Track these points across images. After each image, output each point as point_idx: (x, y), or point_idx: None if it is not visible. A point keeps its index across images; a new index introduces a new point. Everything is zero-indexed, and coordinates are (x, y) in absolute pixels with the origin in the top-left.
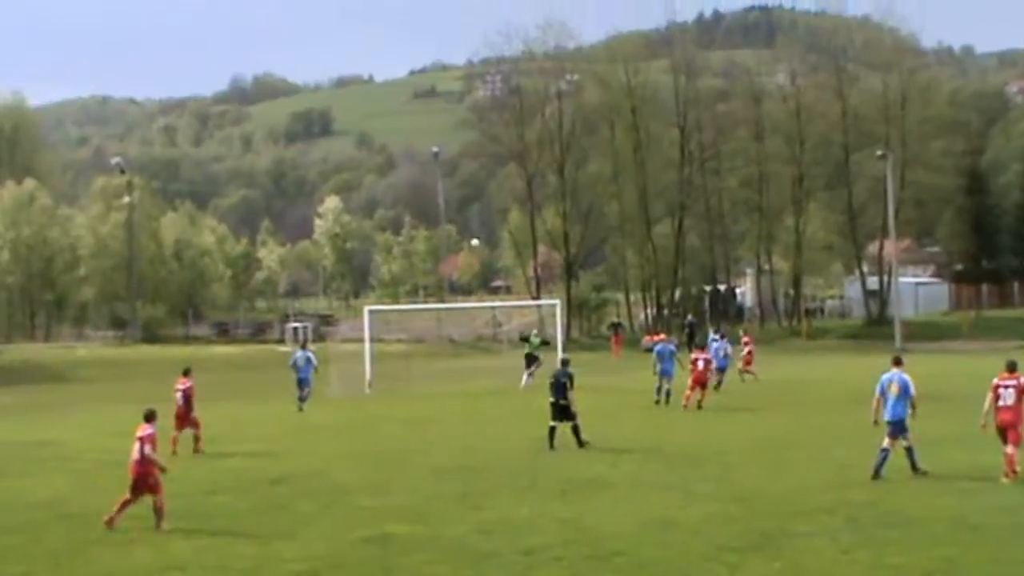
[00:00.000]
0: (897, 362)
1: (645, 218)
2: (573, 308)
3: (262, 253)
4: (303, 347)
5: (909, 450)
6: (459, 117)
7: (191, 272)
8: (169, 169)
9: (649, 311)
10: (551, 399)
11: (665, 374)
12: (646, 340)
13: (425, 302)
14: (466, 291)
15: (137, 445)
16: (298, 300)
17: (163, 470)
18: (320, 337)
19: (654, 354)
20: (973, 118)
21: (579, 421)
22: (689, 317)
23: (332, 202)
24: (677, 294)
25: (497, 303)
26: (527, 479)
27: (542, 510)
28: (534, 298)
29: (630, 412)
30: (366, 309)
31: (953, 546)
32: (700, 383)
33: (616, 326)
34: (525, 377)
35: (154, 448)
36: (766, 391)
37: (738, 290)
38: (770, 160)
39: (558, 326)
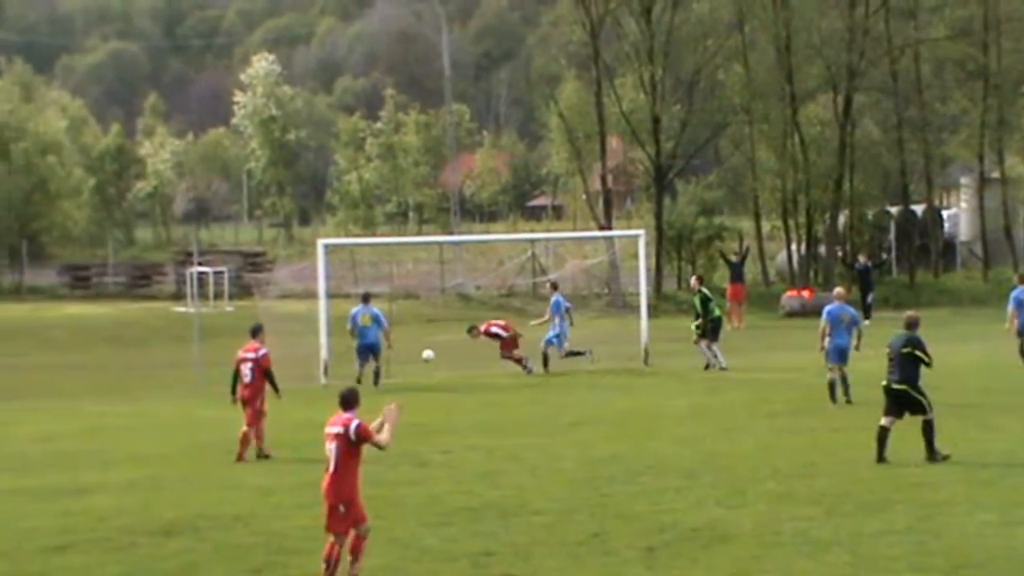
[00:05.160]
0: None
1: (789, 93)
2: (667, 243)
3: (146, 149)
4: (364, 301)
5: None
6: None
7: (26, 180)
8: None
9: (795, 248)
10: (886, 381)
11: (837, 355)
12: (789, 296)
13: (419, 232)
14: (488, 215)
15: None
16: (207, 228)
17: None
18: (243, 290)
19: (823, 320)
20: None
21: (933, 416)
22: (860, 259)
23: (263, 64)
24: (841, 220)
25: (540, 235)
26: (592, 528)
27: None
28: (602, 227)
29: (769, 418)
30: (320, 243)
31: None
32: None
33: (733, 266)
34: (718, 355)
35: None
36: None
37: (945, 214)
38: None
39: (641, 272)
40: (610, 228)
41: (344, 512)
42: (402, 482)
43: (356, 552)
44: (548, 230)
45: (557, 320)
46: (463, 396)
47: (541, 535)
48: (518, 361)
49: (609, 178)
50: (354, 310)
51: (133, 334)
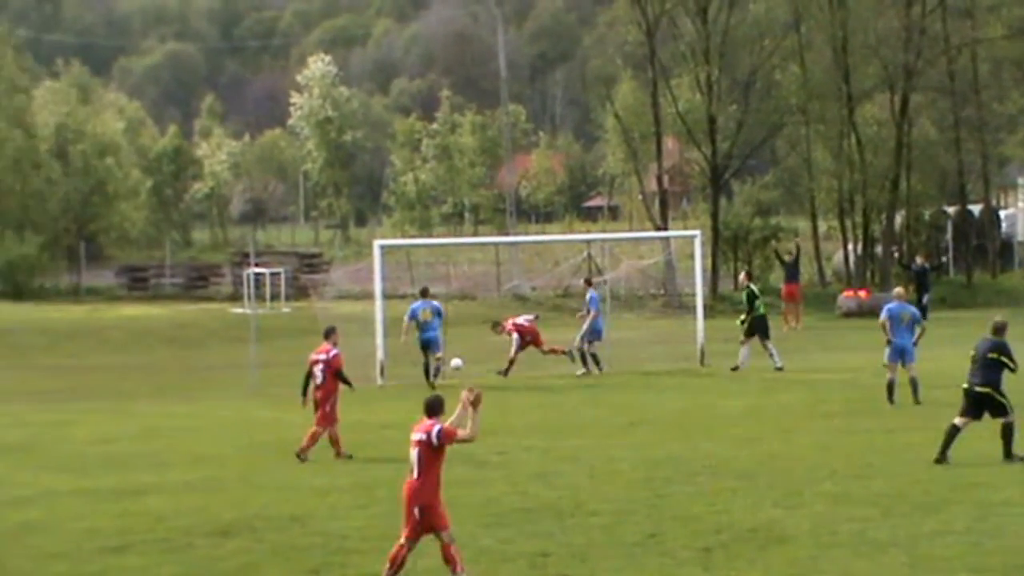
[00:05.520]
0: None
1: (845, 93)
2: (723, 243)
3: (203, 150)
4: (423, 295)
5: None
6: None
7: (84, 182)
8: (46, 8)
9: (851, 248)
10: (967, 384)
11: (898, 354)
12: (845, 296)
13: (475, 233)
14: (544, 216)
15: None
16: (263, 229)
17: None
18: (300, 291)
19: (884, 318)
20: None
21: (1014, 418)
22: (918, 259)
23: (319, 66)
24: (898, 220)
25: (596, 235)
26: (648, 528)
27: None
28: (658, 227)
29: (826, 419)
30: (376, 244)
31: None
32: None
33: (787, 266)
34: (774, 354)
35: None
36: None
37: (1003, 214)
38: None
39: (697, 273)
40: (666, 228)
41: (419, 517)
42: (458, 483)
43: (451, 560)
44: (604, 231)
45: (591, 314)
46: (518, 396)
47: (598, 536)
48: (510, 362)
49: (665, 178)
50: (414, 305)
51: (190, 335)
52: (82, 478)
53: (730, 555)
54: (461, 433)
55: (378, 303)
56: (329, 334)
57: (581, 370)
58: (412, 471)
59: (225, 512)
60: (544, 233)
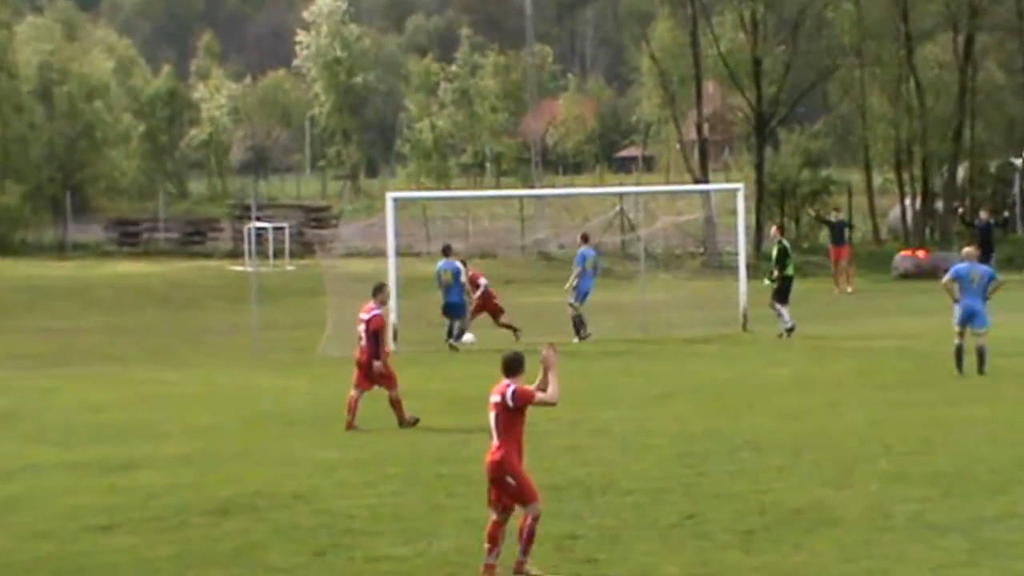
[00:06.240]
0: None
1: (904, 33)
2: (768, 197)
3: (200, 93)
4: (446, 254)
5: None
6: None
7: (70, 127)
8: None
9: (909, 203)
10: None
11: (966, 317)
12: (902, 256)
13: (497, 185)
14: (573, 167)
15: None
16: (266, 180)
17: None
18: (305, 247)
19: (950, 278)
20: None
21: None
22: (982, 215)
23: (327, 1)
24: (960, 172)
25: (630, 188)
26: (686, 509)
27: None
28: (697, 180)
29: (881, 390)
30: (389, 197)
31: None
32: None
33: (833, 226)
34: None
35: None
36: None
37: None
38: None
39: (740, 230)
40: (706, 181)
41: (514, 485)
42: (478, 458)
43: (528, 537)
44: (638, 183)
45: (581, 273)
46: None
47: (630, 517)
48: (511, 327)
49: (705, 126)
50: (437, 265)
51: (186, 295)
52: (68, 450)
53: (774, 538)
54: (540, 396)
55: (391, 261)
56: (377, 292)
57: (577, 338)
58: (492, 438)
59: (223, 488)
60: (572, 186)
